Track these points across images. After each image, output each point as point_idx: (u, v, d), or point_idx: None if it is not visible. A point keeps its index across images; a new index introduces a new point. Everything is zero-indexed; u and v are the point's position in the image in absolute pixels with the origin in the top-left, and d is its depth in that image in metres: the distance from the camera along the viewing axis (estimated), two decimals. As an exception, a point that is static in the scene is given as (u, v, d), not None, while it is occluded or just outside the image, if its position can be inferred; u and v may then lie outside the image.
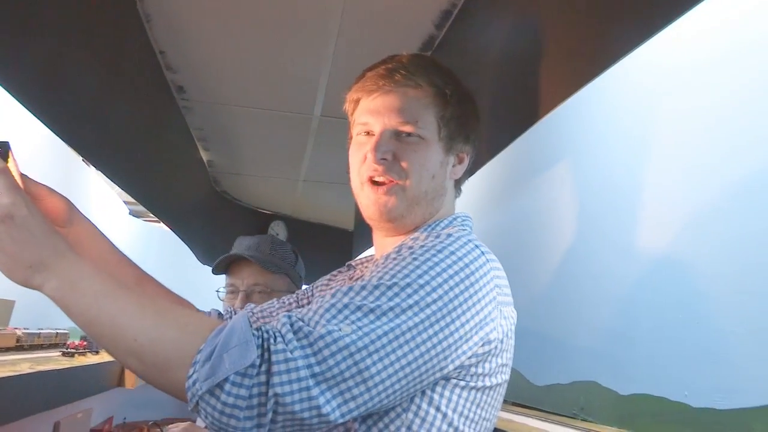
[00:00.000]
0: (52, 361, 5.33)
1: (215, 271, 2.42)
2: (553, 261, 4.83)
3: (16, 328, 6.33)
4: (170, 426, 1.92)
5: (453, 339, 1.16)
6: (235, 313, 1.79)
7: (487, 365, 1.26)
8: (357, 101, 1.45)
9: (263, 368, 1.01)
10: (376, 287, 1.14)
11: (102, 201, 9.63)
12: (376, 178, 1.38)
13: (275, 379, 1.01)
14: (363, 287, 1.15)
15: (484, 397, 1.28)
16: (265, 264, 2.34)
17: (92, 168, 8.83)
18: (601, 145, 4.37)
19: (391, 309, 1.11)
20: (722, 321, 3.01)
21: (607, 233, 4.18)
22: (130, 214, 12.40)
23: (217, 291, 2.42)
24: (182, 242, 7.04)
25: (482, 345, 1.22)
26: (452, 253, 1.21)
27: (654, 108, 3.82)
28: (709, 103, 3.37)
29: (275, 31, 2.63)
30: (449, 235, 1.26)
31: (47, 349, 6.58)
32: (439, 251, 1.20)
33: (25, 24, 1.78)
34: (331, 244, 7.47)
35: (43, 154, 6.80)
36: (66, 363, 5.33)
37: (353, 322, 1.08)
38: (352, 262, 1.65)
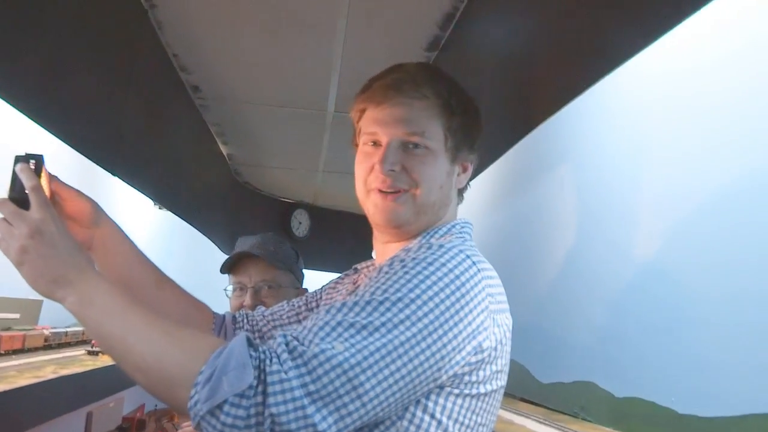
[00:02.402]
0: (77, 361, 5.48)
1: (223, 271, 2.46)
2: (554, 262, 4.85)
3: (43, 327, 6.51)
4: (184, 424, 1.98)
5: (446, 351, 1.17)
6: (247, 316, 1.84)
7: (481, 373, 1.26)
8: (363, 110, 1.46)
9: (260, 389, 1.04)
10: (368, 303, 1.15)
11: (127, 193, 9.79)
12: (384, 189, 1.39)
13: (271, 400, 1.03)
14: (355, 303, 1.16)
15: (480, 403, 1.28)
16: (271, 260, 2.36)
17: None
18: (598, 149, 4.37)
19: (383, 324, 1.12)
20: (709, 328, 3.02)
21: (603, 235, 4.19)
22: (155, 204, 12.56)
23: (224, 290, 2.47)
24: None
25: (475, 354, 1.22)
26: (443, 265, 1.21)
27: (648, 114, 3.80)
28: (701, 111, 3.34)
29: (284, 31, 2.66)
30: (441, 246, 1.26)
31: (74, 346, 6.77)
32: (430, 264, 1.21)
33: (37, 37, 1.84)
34: (353, 231, 7.50)
35: (64, 152, 6.93)
36: (90, 363, 5.45)
37: (346, 340, 1.10)
38: (359, 266, 1.67)
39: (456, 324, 1.19)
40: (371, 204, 1.43)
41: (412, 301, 1.16)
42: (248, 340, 1.12)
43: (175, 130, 3.57)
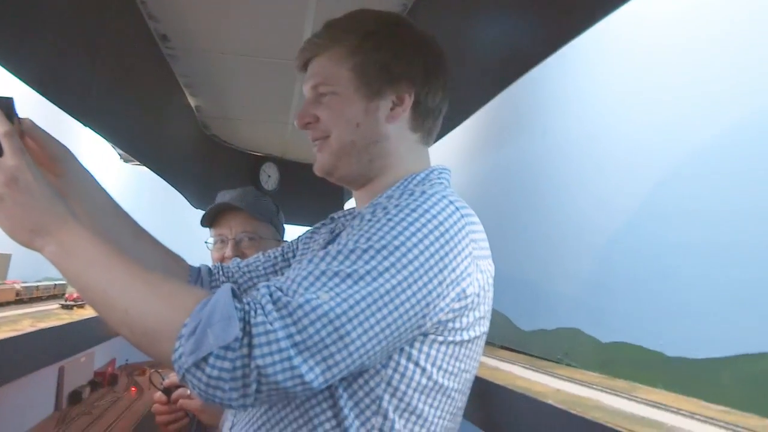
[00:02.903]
0: (53, 315, 5.43)
1: (203, 224, 2.46)
2: (538, 211, 4.91)
3: (14, 282, 6.41)
4: (172, 374, 1.99)
5: (431, 297, 1.19)
6: (223, 268, 1.83)
7: (464, 320, 1.29)
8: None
9: (245, 341, 1.04)
10: (351, 251, 1.16)
11: (92, 147, 9.59)
12: (312, 141, 1.50)
13: (256, 352, 1.03)
14: (339, 252, 1.17)
15: (463, 350, 1.32)
16: (252, 211, 2.38)
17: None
18: (581, 100, 4.39)
19: (368, 273, 1.13)
20: (696, 275, 3.11)
21: (588, 185, 4.25)
22: (120, 159, 12.34)
23: (205, 242, 2.47)
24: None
25: (459, 300, 1.25)
26: (426, 211, 1.23)
27: (635, 63, 3.81)
28: (691, 58, 3.37)
29: (257, -22, 2.60)
30: (423, 193, 1.28)
31: (46, 301, 6.68)
32: (413, 210, 1.22)
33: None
34: (322, 184, 7.47)
35: (29, 101, 6.74)
36: (66, 317, 5.43)
37: (331, 289, 1.10)
38: (335, 215, 1.67)
39: (441, 270, 1.21)
40: None
41: (396, 248, 1.17)
42: (233, 291, 1.13)
43: (142, 80, 3.49)
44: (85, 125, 2.63)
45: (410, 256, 1.17)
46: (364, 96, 1.44)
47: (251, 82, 4.04)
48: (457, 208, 1.28)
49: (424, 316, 1.20)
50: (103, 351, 10.38)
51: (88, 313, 6.05)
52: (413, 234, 1.19)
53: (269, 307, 1.08)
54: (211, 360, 1.04)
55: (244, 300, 1.11)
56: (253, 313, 1.07)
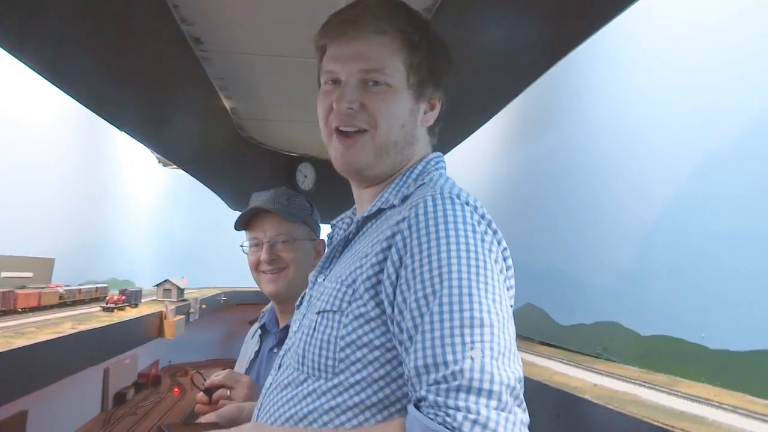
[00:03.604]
0: (93, 317, 5.52)
1: (237, 227, 2.45)
2: (574, 203, 4.82)
3: (57, 285, 6.55)
4: (213, 375, 1.99)
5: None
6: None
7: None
8: (323, 48, 1.40)
9: None
10: (443, 310, 1.14)
11: (130, 153, 9.74)
12: (343, 128, 1.35)
13: None
14: (434, 321, 1.14)
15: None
16: (285, 214, 2.36)
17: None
18: (617, 85, 4.29)
19: (482, 315, 1.14)
20: (737, 265, 3.00)
21: (625, 176, 4.15)
22: (159, 163, 12.53)
23: (241, 246, 2.46)
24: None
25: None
26: (463, 239, 1.20)
27: (673, 51, 3.71)
28: (727, 49, 3.26)
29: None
30: (436, 217, 1.22)
31: (88, 304, 6.82)
32: (451, 243, 1.19)
33: (46, 3, 1.78)
34: (359, 183, 7.48)
35: (68, 113, 6.87)
36: (106, 319, 5.53)
37: (472, 348, 1.10)
38: (333, 222, 1.60)
39: (495, 275, 1.18)
40: (333, 150, 1.38)
41: (470, 285, 1.15)
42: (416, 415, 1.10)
43: (177, 84, 3.52)
44: (122, 131, 2.66)
45: (482, 278, 1.16)
46: (412, 96, 1.37)
47: (285, 82, 4.04)
48: (474, 208, 1.26)
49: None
50: (146, 353, 10.57)
51: (129, 315, 6.15)
52: (470, 265, 1.16)
53: (457, 409, 1.05)
54: None
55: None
56: (451, 420, 1.05)
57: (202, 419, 1.70)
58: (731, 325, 3.15)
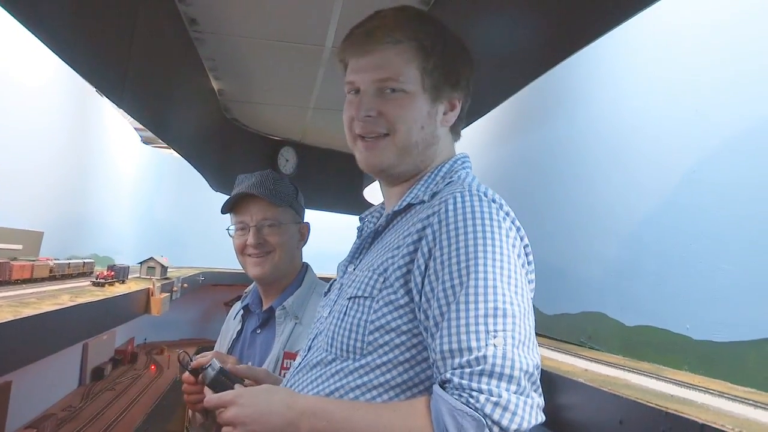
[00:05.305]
0: (86, 291, 5.49)
1: (224, 211, 2.45)
2: (565, 197, 4.88)
3: (47, 258, 6.48)
4: (199, 356, 1.99)
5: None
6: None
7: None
8: (345, 61, 1.48)
9: (495, 430, 1.11)
10: (469, 300, 1.22)
11: (115, 129, 9.62)
12: (364, 135, 1.42)
13: (504, 423, 1.11)
14: (459, 309, 1.22)
15: None
16: (271, 198, 2.35)
17: (105, 98, 8.79)
18: (614, 83, 4.35)
19: (504, 305, 1.21)
20: (723, 262, 3.11)
21: (617, 171, 4.22)
22: (141, 141, 12.39)
23: (227, 229, 2.46)
24: (193, 169, 7.13)
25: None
26: (489, 234, 1.28)
27: (672, 46, 3.78)
28: (723, 49, 3.34)
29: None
30: (464, 212, 1.30)
31: (76, 278, 6.74)
32: (477, 237, 1.27)
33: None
34: (339, 169, 7.51)
35: (57, 85, 6.77)
36: (99, 293, 5.50)
37: (495, 336, 1.17)
38: (362, 216, 1.67)
39: (517, 269, 1.27)
40: (357, 153, 1.47)
41: (495, 275, 1.22)
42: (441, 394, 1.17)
43: (170, 62, 3.53)
44: (119, 106, 2.67)
45: (505, 270, 1.23)
46: (429, 98, 1.43)
47: (275, 66, 4.07)
48: (501, 207, 1.34)
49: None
50: (122, 330, 10.45)
51: (119, 290, 6.13)
52: (495, 259, 1.24)
53: (481, 389, 1.13)
54: None
55: (469, 402, 1.14)
56: (478, 404, 1.13)
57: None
58: (716, 317, 3.25)
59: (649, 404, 2.31)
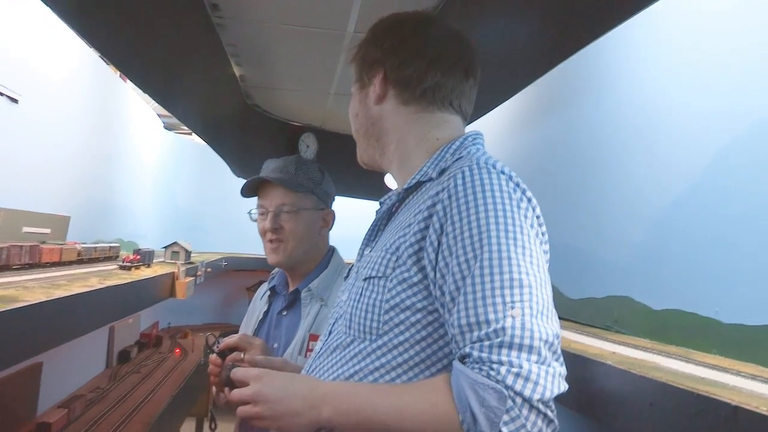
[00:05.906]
0: (113, 275, 5.56)
1: (243, 194, 2.46)
2: (592, 178, 4.82)
3: (75, 242, 6.57)
4: (227, 338, 2.02)
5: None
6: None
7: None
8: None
9: (518, 401, 1.10)
10: (484, 273, 1.20)
11: (138, 115, 9.69)
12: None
13: (527, 393, 1.09)
14: (475, 283, 1.20)
15: None
16: (289, 184, 2.35)
17: (129, 83, 8.84)
18: (641, 66, 4.27)
19: (521, 276, 1.19)
20: (751, 242, 3.05)
21: (644, 153, 4.15)
22: (164, 127, 12.45)
23: (249, 213, 2.47)
24: (214, 154, 7.16)
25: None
26: (500, 206, 1.26)
27: (698, 32, 3.70)
28: (752, 36, 3.25)
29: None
30: (473, 186, 1.29)
31: (103, 262, 6.83)
32: (489, 209, 1.25)
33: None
34: (360, 155, 7.50)
35: (81, 71, 6.82)
36: (126, 277, 5.57)
37: (512, 307, 1.16)
38: (381, 200, 1.66)
39: (531, 239, 1.26)
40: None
41: (509, 247, 1.22)
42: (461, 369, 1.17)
43: (192, 48, 3.54)
44: (145, 92, 2.68)
45: (519, 242, 1.23)
46: (359, 89, 1.60)
47: (296, 52, 4.06)
48: (517, 186, 1.33)
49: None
50: (146, 314, 10.58)
51: (145, 273, 6.20)
52: (507, 228, 1.23)
53: (501, 361, 1.12)
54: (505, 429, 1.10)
55: (491, 375, 1.13)
56: (500, 377, 1.11)
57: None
58: (746, 300, 3.20)
59: (679, 386, 2.29)
